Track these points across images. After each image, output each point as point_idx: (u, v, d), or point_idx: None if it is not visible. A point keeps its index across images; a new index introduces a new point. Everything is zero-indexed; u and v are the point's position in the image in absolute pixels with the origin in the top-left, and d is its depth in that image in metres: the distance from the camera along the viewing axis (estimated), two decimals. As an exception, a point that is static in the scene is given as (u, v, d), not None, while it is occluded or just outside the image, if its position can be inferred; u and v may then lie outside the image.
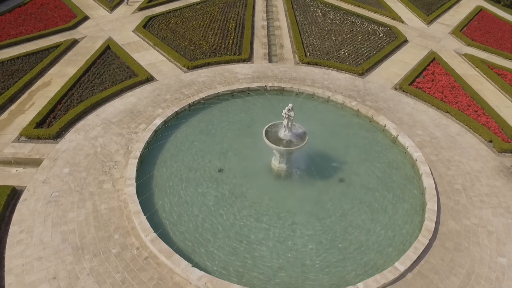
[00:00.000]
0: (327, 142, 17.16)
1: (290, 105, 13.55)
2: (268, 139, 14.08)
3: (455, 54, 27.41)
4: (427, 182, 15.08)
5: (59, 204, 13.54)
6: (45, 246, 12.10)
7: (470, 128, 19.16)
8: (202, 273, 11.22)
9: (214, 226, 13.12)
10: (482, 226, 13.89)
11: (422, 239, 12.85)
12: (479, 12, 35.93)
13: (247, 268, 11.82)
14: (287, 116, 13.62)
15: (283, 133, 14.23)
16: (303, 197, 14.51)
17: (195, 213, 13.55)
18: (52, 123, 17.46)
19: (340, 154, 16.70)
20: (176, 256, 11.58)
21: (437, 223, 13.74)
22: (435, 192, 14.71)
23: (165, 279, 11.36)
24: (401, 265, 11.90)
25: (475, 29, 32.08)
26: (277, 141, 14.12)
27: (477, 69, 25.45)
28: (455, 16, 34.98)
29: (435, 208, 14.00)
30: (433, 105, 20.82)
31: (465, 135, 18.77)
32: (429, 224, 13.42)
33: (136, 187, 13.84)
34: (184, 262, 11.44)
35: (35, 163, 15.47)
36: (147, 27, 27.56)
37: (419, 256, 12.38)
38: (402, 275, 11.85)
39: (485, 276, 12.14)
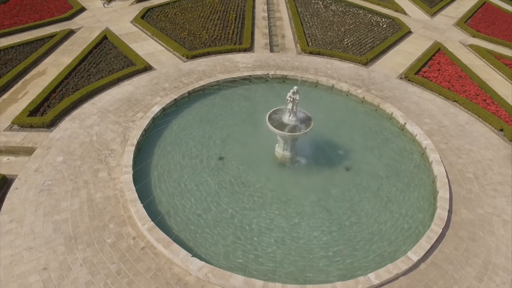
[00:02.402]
0: (333, 130, 16.49)
1: (295, 87, 12.85)
2: (271, 124, 13.39)
3: (460, 45, 26.80)
4: (438, 170, 14.41)
5: (51, 193, 12.84)
6: (35, 236, 11.40)
7: (480, 117, 18.52)
8: (202, 263, 10.51)
9: (214, 215, 12.42)
10: (497, 215, 13.22)
11: (435, 228, 12.17)
12: (483, 4, 35.40)
13: (249, 260, 11.11)
14: (291, 99, 12.91)
15: (287, 118, 13.53)
16: (308, 186, 13.81)
17: (194, 202, 12.84)
18: (46, 111, 16.77)
19: (346, 142, 16.03)
20: (175, 245, 10.88)
21: (450, 212, 13.06)
22: (447, 180, 14.05)
23: (163, 270, 10.66)
24: (414, 255, 11.21)
25: (479, 21, 31.50)
26: (281, 126, 13.42)
27: (483, 59, 24.83)
28: (459, 8, 34.42)
29: (447, 196, 13.32)
30: (440, 94, 20.18)
31: (475, 124, 18.12)
32: (441, 212, 12.74)
33: (132, 175, 13.14)
34: (183, 252, 10.73)
35: (28, 151, 14.78)
36: (145, 18, 26.92)
37: (432, 245, 11.71)
38: (415, 265, 11.17)
39: (502, 266, 11.46)
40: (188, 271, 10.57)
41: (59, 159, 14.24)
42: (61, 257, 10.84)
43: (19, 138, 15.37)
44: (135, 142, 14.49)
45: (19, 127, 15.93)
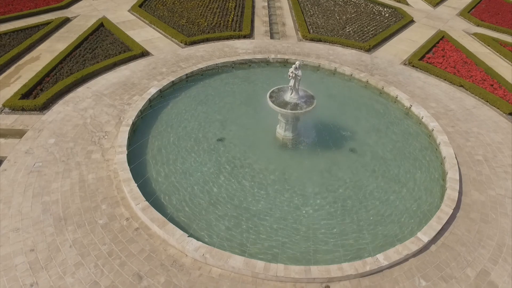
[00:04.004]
0: (336, 112, 15.90)
1: (297, 62, 12.25)
2: (272, 102, 12.78)
3: (465, 34, 26.25)
4: (446, 151, 13.79)
5: (42, 175, 12.22)
6: (23, 217, 10.76)
7: (487, 101, 17.93)
8: (199, 243, 9.86)
9: (211, 197, 11.80)
10: (509, 197, 12.59)
11: (446, 209, 11.53)
12: (486, -5, 34.88)
13: (249, 243, 10.45)
14: (294, 75, 12.31)
15: (289, 96, 12.92)
16: (311, 168, 13.17)
17: (191, 183, 12.20)
18: (39, 95, 16.16)
19: (349, 123, 15.42)
20: (170, 225, 10.24)
21: (460, 193, 12.43)
22: (456, 161, 13.44)
23: (157, 252, 10.02)
24: (424, 236, 10.57)
25: (483, 11, 31.00)
26: (282, 104, 12.81)
27: (488, 47, 24.28)
28: (462, -1, 33.96)
29: (457, 177, 12.70)
30: (445, 79, 19.59)
31: (482, 108, 17.53)
32: (451, 193, 12.10)
33: (127, 155, 12.51)
34: (179, 232, 10.09)
35: (18, 134, 14.16)
36: (143, 6, 26.39)
37: (442, 227, 11.08)
38: (426, 247, 10.53)
39: (517, 248, 10.84)
40: (184, 252, 9.93)
41: (51, 141, 13.63)
42: (50, 238, 10.20)
43: (10, 120, 14.77)
44: (130, 122, 13.88)
45: (10, 110, 15.32)
